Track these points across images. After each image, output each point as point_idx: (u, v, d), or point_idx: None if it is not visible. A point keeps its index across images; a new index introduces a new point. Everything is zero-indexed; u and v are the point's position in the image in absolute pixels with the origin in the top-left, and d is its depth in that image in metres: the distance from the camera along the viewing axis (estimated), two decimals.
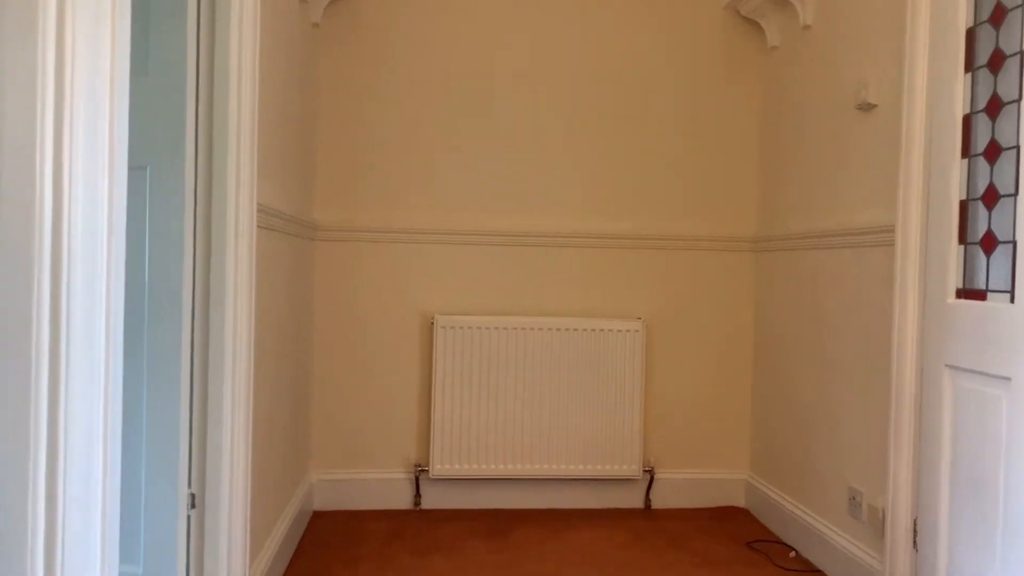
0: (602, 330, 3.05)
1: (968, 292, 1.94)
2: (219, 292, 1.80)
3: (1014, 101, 1.79)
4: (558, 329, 3.03)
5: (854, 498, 2.40)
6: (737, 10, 3.15)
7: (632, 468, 3.07)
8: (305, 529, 2.85)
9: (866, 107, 2.37)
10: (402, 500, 3.06)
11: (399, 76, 3.04)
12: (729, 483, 3.22)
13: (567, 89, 3.11)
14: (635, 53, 3.14)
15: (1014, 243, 1.77)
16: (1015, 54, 1.79)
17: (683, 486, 3.19)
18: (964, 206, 1.96)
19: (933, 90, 2.05)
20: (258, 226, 2.01)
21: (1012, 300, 1.77)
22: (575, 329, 3.04)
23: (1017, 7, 1.79)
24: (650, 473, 3.14)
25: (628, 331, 3.06)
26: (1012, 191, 1.79)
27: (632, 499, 3.15)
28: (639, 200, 3.16)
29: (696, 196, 3.18)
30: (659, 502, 3.17)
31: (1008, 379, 1.76)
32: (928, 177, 2.07)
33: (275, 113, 2.28)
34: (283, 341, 2.49)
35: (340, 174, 3.03)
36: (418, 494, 3.05)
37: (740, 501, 3.22)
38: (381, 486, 3.05)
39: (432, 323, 3.00)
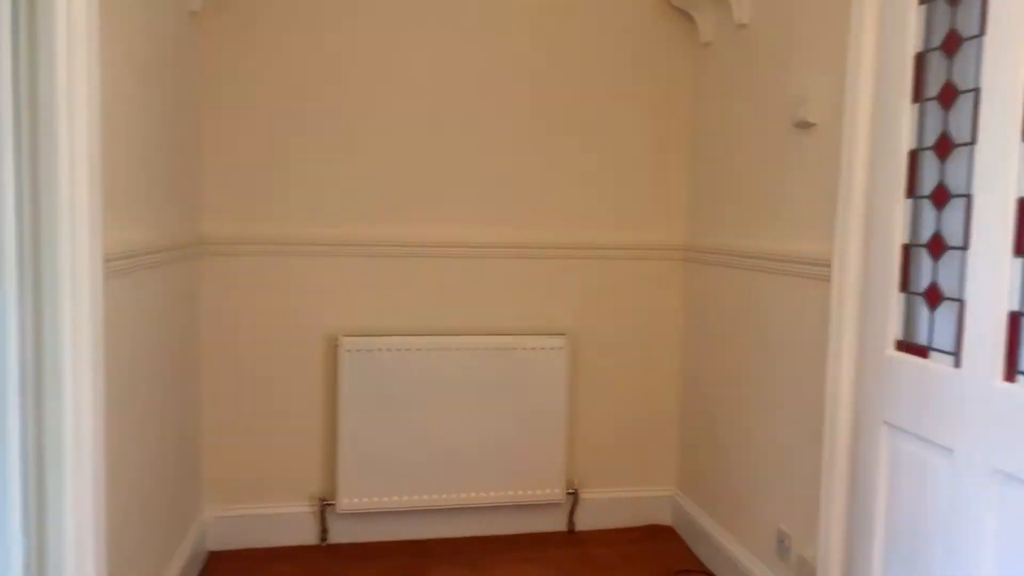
0: (524, 348, 2.84)
1: (909, 346, 1.78)
2: (54, 370, 1.50)
3: (966, 144, 1.61)
4: (476, 349, 2.80)
5: (783, 541, 2.28)
6: None
7: (555, 492, 2.90)
8: (199, 574, 2.60)
9: (804, 125, 2.18)
10: (308, 535, 2.82)
11: (294, 69, 2.70)
12: (655, 500, 3.09)
13: (481, 89, 2.83)
14: (556, 47, 2.87)
15: (961, 302, 1.61)
16: (969, 91, 1.61)
17: (608, 506, 3.04)
18: (907, 251, 1.79)
19: (877, 119, 1.86)
20: (111, 275, 1.70)
21: (957, 365, 1.62)
22: (495, 348, 2.82)
23: (973, 37, 1.60)
24: (574, 495, 2.98)
25: (551, 348, 2.86)
26: (961, 244, 1.63)
27: (555, 522, 2.99)
28: (562, 206, 2.92)
29: (623, 200, 2.96)
30: (584, 523, 3.01)
31: (951, 450, 1.62)
32: (870, 213, 1.90)
33: (139, 121, 1.95)
34: (157, 382, 2.20)
35: (231, 179, 2.69)
36: (324, 529, 2.81)
37: (666, 519, 3.09)
38: (284, 521, 2.80)
39: (336, 345, 2.73)
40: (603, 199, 2.95)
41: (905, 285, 1.80)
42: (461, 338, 2.80)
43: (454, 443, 2.81)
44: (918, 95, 1.75)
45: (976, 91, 1.57)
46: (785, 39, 2.30)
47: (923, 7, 1.73)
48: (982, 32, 1.55)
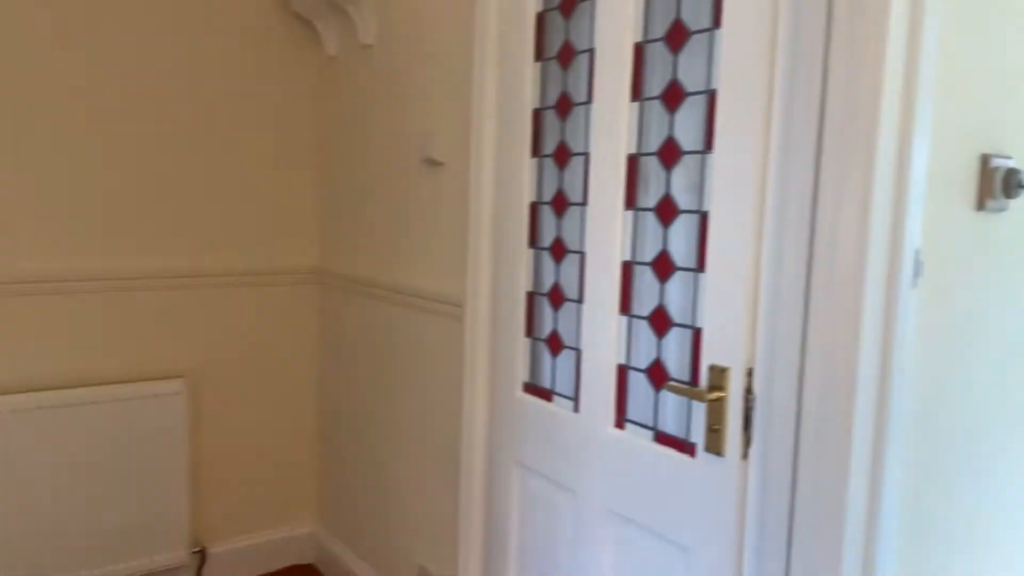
0: (132, 398, 2.44)
1: (536, 389, 1.86)
2: None
3: (578, 204, 1.71)
4: (70, 405, 2.33)
5: None
6: (287, 3, 2.69)
7: (177, 555, 2.56)
8: None
9: (433, 163, 2.16)
10: None
11: None
12: (295, 540, 2.91)
13: (71, 93, 2.33)
14: (160, 47, 2.48)
15: (578, 351, 1.71)
16: (580, 154, 1.70)
17: (245, 554, 2.79)
18: (532, 298, 1.86)
19: (502, 168, 1.90)
20: None
21: (576, 410, 1.72)
22: (94, 402, 2.37)
23: (581, 104, 1.69)
24: (200, 553, 2.67)
25: (167, 395, 2.50)
26: (576, 297, 1.73)
27: None
28: (172, 228, 2.56)
29: (246, 221, 2.70)
30: None
31: (573, 491, 1.73)
32: (497, 259, 1.94)
33: None
34: None
35: None
36: None
37: (308, 558, 2.94)
38: None
39: None
40: (222, 220, 2.65)
41: (531, 331, 1.87)
42: (48, 394, 2.30)
43: (49, 521, 2.31)
44: (537, 150, 1.82)
45: (586, 155, 1.67)
46: (411, 69, 2.26)
47: (538, 64, 1.80)
48: (590, 100, 1.64)
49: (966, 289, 1.36)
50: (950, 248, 1.31)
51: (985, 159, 1.34)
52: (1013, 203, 1.38)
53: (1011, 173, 1.34)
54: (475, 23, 1.92)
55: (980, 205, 1.34)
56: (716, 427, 1.38)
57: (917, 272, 1.22)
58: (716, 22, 1.37)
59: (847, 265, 1.19)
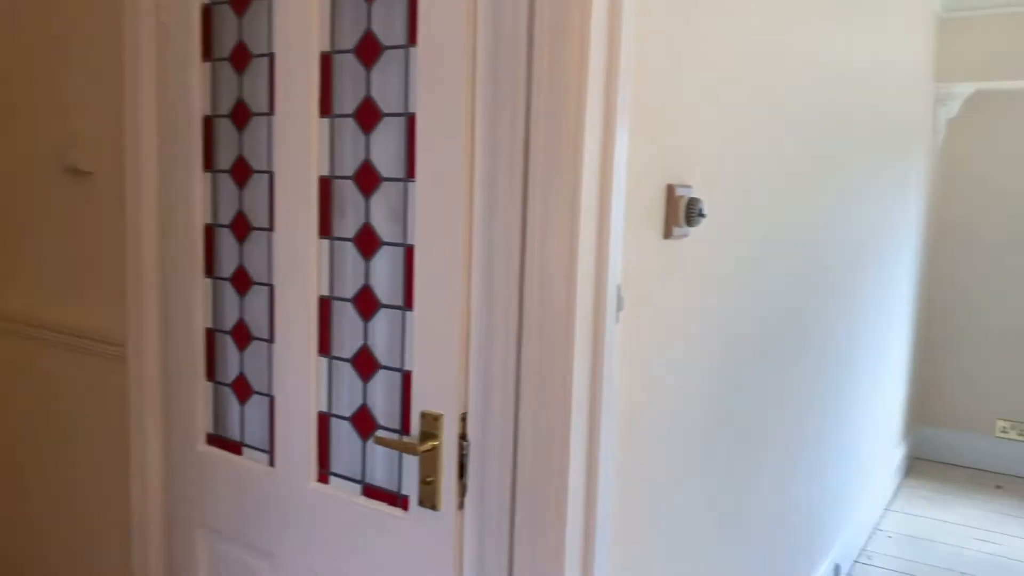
0: None
1: (222, 441, 1.61)
2: None
3: (264, 229, 1.49)
4: None
5: None
6: None
7: None
8: None
9: (78, 173, 1.77)
10: None
11: None
12: None
13: None
14: None
15: (271, 398, 1.50)
16: (263, 171, 1.48)
17: None
18: (212, 336, 1.60)
19: (167, 186, 1.60)
20: None
21: (272, 463, 1.51)
22: None
23: (262, 114, 1.47)
24: None
25: None
26: (266, 336, 1.51)
27: None
28: None
29: None
30: None
31: (271, 554, 1.52)
32: (166, 291, 1.64)
33: None
34: None
35: None
36: None
37: None
38: None
39: None
40: None
41: (212, 374, 1.61)
42: None
43: None
44: (210, 163, 1.55)
45: (270, 174, 1.46)
46: (43, 56, 1.82)
47: (208, 65, 1.53)
48: (272, 111, 1.43)
49: (657, 310, 1.41)
50: (643, 275, 1.35)
51: (670, 189, 1.39)
52: (693, 230, 1.47)
53: (692, 202, 1.41)
54: (124, 6, 1.59)
55: (667, 233, 1.40)
56: (430, 479, 1.27)
57: (619, 306, 1.23)
58: (411, 39, 1.25)
59: (557, 304, 1.15)
